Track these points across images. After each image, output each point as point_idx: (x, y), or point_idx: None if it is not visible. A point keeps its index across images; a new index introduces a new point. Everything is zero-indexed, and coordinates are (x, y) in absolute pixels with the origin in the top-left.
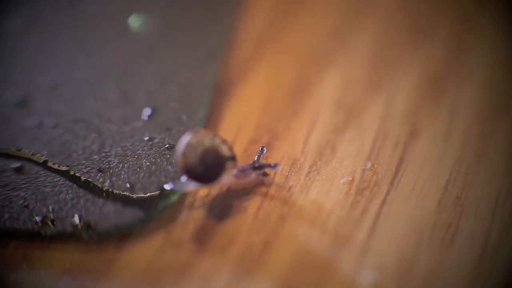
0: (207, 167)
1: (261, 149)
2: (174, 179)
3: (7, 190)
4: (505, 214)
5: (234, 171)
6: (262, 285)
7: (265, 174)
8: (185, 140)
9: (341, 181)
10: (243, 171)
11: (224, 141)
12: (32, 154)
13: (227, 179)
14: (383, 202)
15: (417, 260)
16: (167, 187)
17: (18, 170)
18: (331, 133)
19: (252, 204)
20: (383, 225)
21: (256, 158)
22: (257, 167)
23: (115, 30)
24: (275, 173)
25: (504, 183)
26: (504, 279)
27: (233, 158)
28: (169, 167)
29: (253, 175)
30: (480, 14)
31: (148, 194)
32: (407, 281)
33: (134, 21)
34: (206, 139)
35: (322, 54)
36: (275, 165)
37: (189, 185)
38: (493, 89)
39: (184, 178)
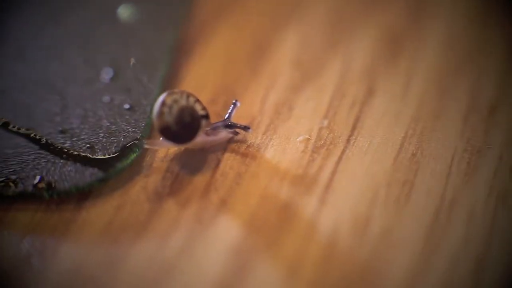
0: (183, 126)
1: (234, 103)
2: (134, 139)
3: None
4: (460, 171)
5: (206, 129)
6: (217, 243)
7: (235, 133)
8: (160, 99)
9: (298, 139)
10: (214, 129)
11: (197, 100)
12: None
13: (199, 137)
14: (339, 159)
15: (372, 217)
16: (141, 145)
17: None
18: (289, 92)
19: (210, 163)
20: (339, 183)
21: (227, 115)
22: (229, 125)
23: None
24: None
25: (460, 141)
26: (458, 235)
27: (207, 116)
28: (128, 127)
29: (224, 133)
30: None
31: (108, 155)
32: (363, 238)
33: (124, 11)
34: (181, 98)
35: (281, 16)
36: (247, 128)
37: (162, 144)
38: (450, 50)
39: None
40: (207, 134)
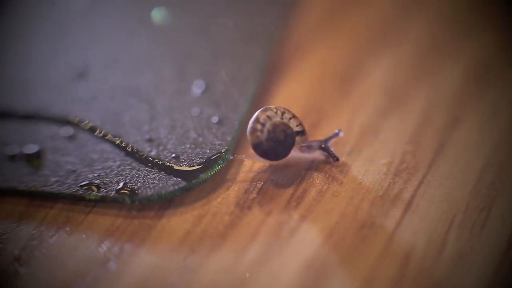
0: (276, 143)
1: (337, 132)
2: (220, 151)
3: (58, 156)
4: None
5: (300, 145)
6: (294, 258)
7: (327, 157)
8: (254, 116)
9: (381, 162)
10: (309, 147)
11: (294, 116)
12: (79, 121)
13: (292, 152)
14: (420, 183)
15: (447, 241)
16: (226, 158)
17: (70, 137)
18: (376, 116)
19: (293, 179)
20: (418, 206)
21: (326, 138)
22: (323, 147)
23: (173, 7)
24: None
25: None
26: None
27: (302, 132)
28: (215, 140)
29: (317, 153)
30: None
31: (192, 165)
32: (437, 261)
33: (157, 15)
34: (276, 115)
35: (374, 41)
36: (337, 158)
37: (253, 157)
38: None
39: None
40: (301, 150)
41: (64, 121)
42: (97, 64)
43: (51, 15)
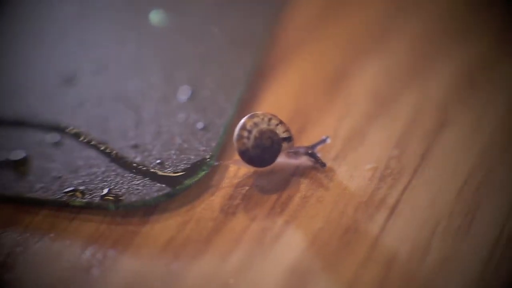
0: (262, 150)
1: (324, 139)
2: (204, 157)
3: (43, 162)
4: None
5: (287, 150)
6: (277, 263)
7: (315, 162)
8: (241, 123)
9: (366, 167)
10: (295, 153)
11: (281, 122)
12: (65, 127)
13: (279, 157)
14: (405, 189)
15: (431, 246)
16: (211, 164)
17: (56, 144)
18: (363, 120)
19: (277, 185)
20: (403, 211)
21: (313, 144)
22: (310, 153)
23: (162, 13)
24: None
25: None
26: None
27: (289, 139)
28: (200, 146)
29: (303, 159)
30: None
31: (177, 171)
32: (420, 266)
33: (155, 17)
34: (262, 121)
35: (362, 46)
36: (323, 164)
37: (239, 163)
38: None
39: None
40: (287, 156)
41: (51, 127)
42: (85, 70)
43: (47, 18)
